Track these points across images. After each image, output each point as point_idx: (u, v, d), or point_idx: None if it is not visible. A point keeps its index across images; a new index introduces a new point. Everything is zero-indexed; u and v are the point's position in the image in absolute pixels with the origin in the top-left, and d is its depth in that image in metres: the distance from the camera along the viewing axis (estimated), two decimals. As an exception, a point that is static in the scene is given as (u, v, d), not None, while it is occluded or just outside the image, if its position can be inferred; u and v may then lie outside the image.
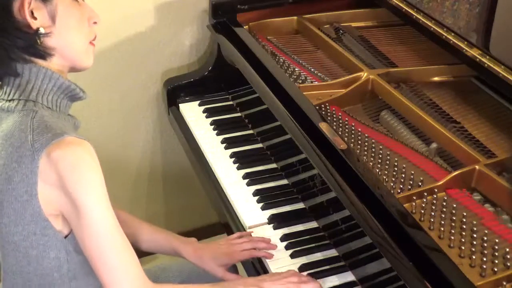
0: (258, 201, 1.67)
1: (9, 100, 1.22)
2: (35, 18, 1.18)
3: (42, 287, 1.26)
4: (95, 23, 1.29)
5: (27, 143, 1.15)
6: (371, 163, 1.51)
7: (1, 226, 1.21)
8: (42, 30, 1.19)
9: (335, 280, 1.44)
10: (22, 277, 1.25)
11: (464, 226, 1.32)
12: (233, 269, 1.59)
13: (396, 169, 1.48)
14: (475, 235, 1.30)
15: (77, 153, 1.15)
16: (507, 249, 1.25)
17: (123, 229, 1.43)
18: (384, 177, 1.46)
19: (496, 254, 1.25)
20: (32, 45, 1.20)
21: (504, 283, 1.20)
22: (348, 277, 1.44)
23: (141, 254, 2.41)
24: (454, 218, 1.35)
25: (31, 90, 1.22)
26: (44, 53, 1.21)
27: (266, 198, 1.67)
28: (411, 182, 1.44)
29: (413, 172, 1.46)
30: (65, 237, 1.22)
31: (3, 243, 1.23)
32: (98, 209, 1.16)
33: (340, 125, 1.64)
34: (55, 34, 1.21)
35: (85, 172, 1.15)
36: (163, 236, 1.55)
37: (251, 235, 1.55)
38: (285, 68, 1.87)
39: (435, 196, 1.40)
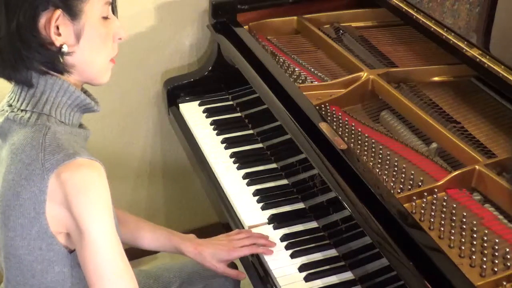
0: (258, 201, 1.67)
1: (22, 110, 1.19)
2: (59, 34, 1.14)
3: None
4: (120, 39, 1.24)
5: (37, 162, 1.13)
6: (371, 163, 1.51)
7: (6, 239, 1.19)
8: (65, 49, 1.15)
9: (335, 280, 1.44)
10: None
11: (464, 226, 1.32)
12: (233, 266, 1.60)
13: (396, 169, 1.48)
14: (475, 235, 1.30)
15: (86, 176, 1.13)
16: (507, 249, 1.26)
17: (123, 229, 1.42)
18: (384, 177, 1.46)
19: (496, 254, 1.26)
20: (52, 61, 1.16)
21: (504, 283, 1.20)
22: (348, 277, 1.45)
23: (141, 254, 2.43)
24: (454, 218, 1.35)
25: (45, 103, 1.18)
26: (62, 70, 1.18)
27: (266, 198, 1.67)
28: (411, 182, 1.44)
29: (413, 172, 1.46)
30: (71, 252, 1.21)
31: (8, 255, 1.21)
32: (101, 234, 1.14)
33: (340, 125, 1.64)
34: (77, 53, 1.17)
35: (91, 195, 1.13)
36: (163, 233, 1.54)
37: (250, 231, 1.56)
38: (285, 68, 1.87)
39: (435, 196, 1.40)
